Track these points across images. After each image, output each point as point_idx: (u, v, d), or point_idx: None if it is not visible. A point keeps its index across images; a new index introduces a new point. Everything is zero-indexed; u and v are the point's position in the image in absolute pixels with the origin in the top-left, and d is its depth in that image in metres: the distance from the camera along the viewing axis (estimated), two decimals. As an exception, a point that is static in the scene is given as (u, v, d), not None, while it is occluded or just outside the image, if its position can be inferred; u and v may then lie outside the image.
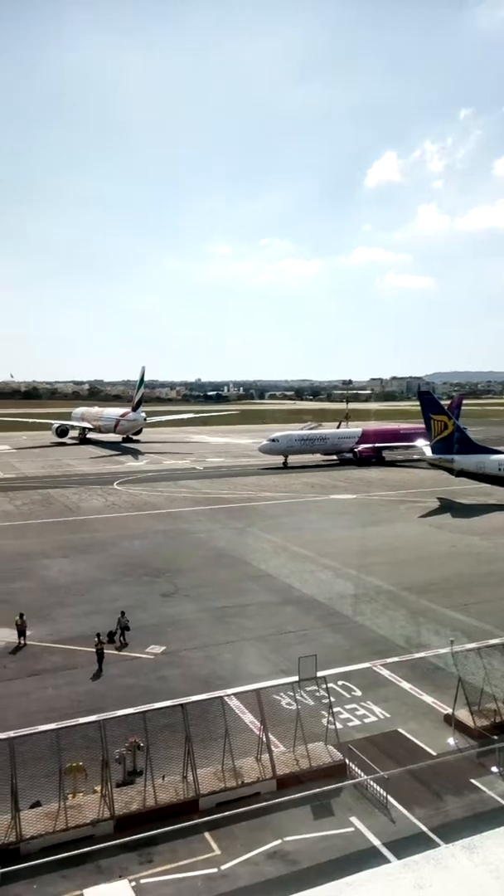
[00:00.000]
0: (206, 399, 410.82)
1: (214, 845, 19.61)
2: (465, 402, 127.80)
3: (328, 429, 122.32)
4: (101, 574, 46.50)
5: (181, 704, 23.56)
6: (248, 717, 26.03)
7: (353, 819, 20.80)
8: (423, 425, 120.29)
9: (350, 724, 26.33)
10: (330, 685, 26.39)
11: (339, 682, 29.44)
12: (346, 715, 26.92)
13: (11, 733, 23.56)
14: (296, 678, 25.91)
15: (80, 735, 23.07)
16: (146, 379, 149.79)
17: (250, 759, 23.37)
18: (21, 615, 34.75)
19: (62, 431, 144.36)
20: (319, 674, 26.01)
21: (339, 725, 24.91)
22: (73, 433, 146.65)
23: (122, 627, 34.24)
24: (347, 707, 27.65)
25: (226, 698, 25.70)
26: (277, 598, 41.44)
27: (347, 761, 23.30)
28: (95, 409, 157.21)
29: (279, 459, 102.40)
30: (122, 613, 34.91)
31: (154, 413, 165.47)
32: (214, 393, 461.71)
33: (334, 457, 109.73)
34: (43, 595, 41.95)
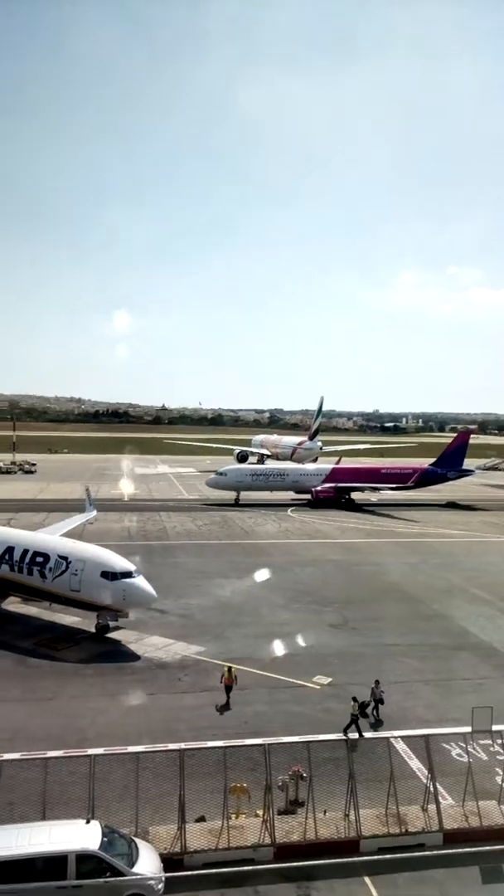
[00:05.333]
0: (382, 430, 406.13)
1: (374, 891, 18.98)
2: None
3: (289, 464, 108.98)
4: (271, 598, 47.32)
5: (346, 740, 23.23)
6: (415, 764, 25.02)
7: (528, 891, 19.17)
8: (414, 465, 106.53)
9: (527, 786, 24.34)
10: (506, 741, 24.63)
11: (517, 740, 27.35)
12: (523, 776, 24.93)
13: (182, 745, 24.54)
14: (468, 729, 24.40)
15: (245, 756, 23.57)
16: (324, 409, 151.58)
17: (416, 807, 22.43)
18: (229, 668, 31.26)
19: (242, 457, 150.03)
20: (495, 728, 24.32)
21: (514, 786, 23.17)
22: (253, 459, 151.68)
23: (377, 700, 29.48)
24: (525, 768, 25.61)
25: (392, 740, 24.95)
26: (451, 642, 39.54)
27: (523, 827, 21.56)
28: (274, 437, 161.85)
29: (229, 495, 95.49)
30: (377, 683, 29.83)
31: (330, 442, 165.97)
32: (392, 424, 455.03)
33: (308, 495, 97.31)
34: (216, 613, 43.50)
